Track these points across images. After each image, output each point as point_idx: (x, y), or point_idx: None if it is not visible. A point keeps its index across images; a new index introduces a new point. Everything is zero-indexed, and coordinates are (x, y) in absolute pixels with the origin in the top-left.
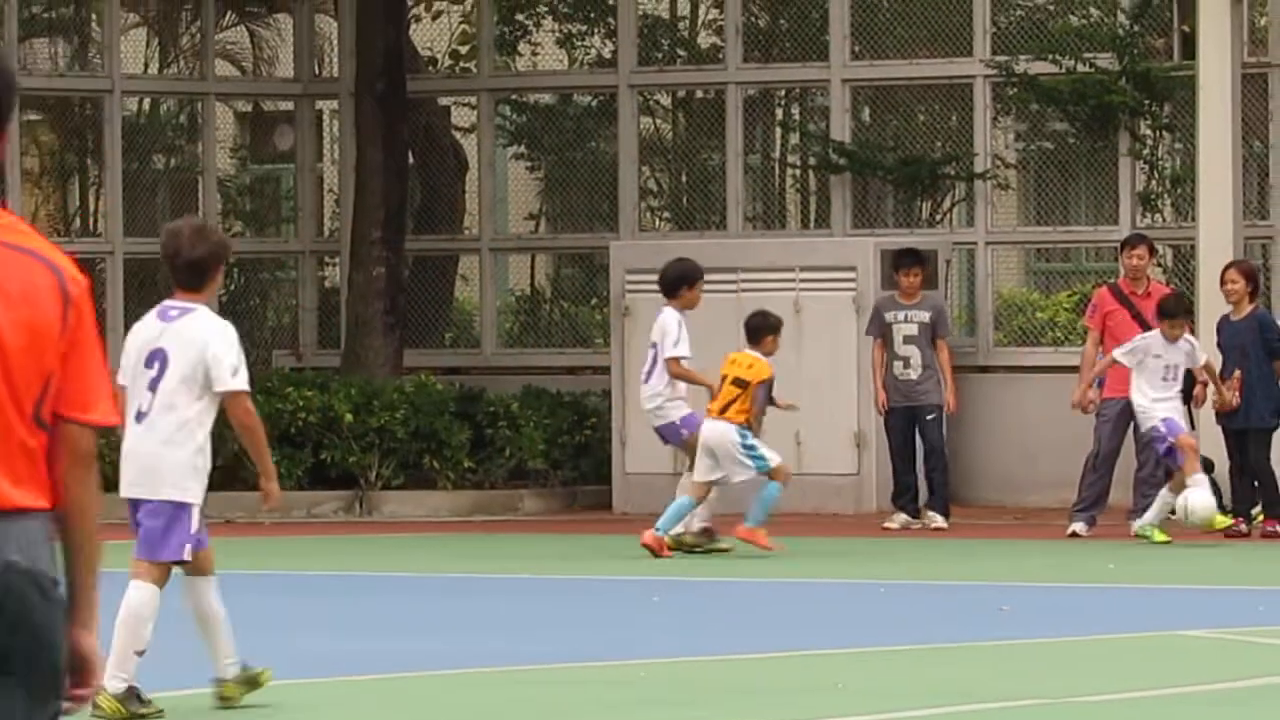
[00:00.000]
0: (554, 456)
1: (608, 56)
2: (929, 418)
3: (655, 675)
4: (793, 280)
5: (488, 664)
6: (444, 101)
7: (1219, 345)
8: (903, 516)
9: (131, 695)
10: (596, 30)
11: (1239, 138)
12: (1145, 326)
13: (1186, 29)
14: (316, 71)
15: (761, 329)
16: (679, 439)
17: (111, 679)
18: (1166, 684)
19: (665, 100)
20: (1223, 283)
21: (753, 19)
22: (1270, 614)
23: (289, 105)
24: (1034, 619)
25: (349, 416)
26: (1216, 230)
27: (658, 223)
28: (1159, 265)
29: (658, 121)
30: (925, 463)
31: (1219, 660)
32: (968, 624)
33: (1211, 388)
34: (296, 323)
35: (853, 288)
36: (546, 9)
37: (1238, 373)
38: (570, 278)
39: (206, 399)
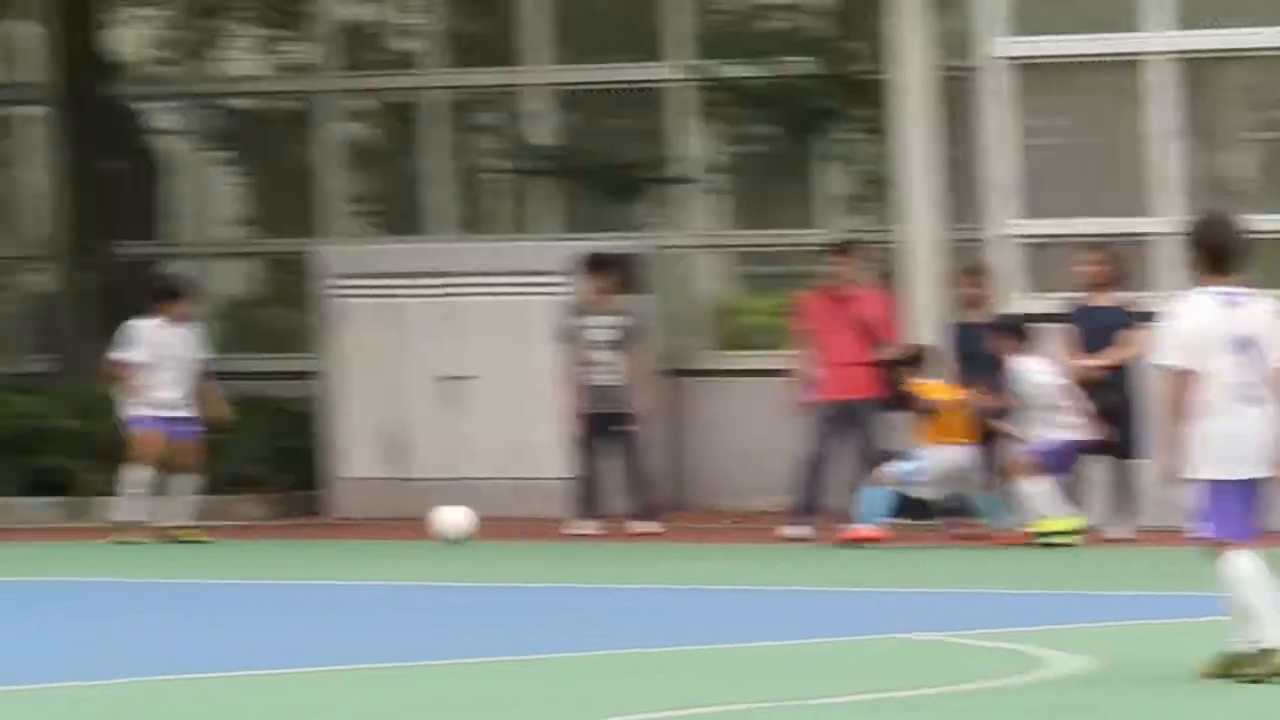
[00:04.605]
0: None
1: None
2: (624, 427)
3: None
4: (499, 285)
5: None
6: (143, 106)
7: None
8: (594, 522)
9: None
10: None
11: (936, 141)
12: (853, 330)
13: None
14: (11, 77)
15: None
16: None
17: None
18: (867, 688)
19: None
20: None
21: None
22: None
23: None
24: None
25: (67, 423)
26: (921, 233)
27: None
28: (865, 269)
29: None
30: (626, 471)
31: (921, 664)
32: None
33: None
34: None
35: (560, 292)
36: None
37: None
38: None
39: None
